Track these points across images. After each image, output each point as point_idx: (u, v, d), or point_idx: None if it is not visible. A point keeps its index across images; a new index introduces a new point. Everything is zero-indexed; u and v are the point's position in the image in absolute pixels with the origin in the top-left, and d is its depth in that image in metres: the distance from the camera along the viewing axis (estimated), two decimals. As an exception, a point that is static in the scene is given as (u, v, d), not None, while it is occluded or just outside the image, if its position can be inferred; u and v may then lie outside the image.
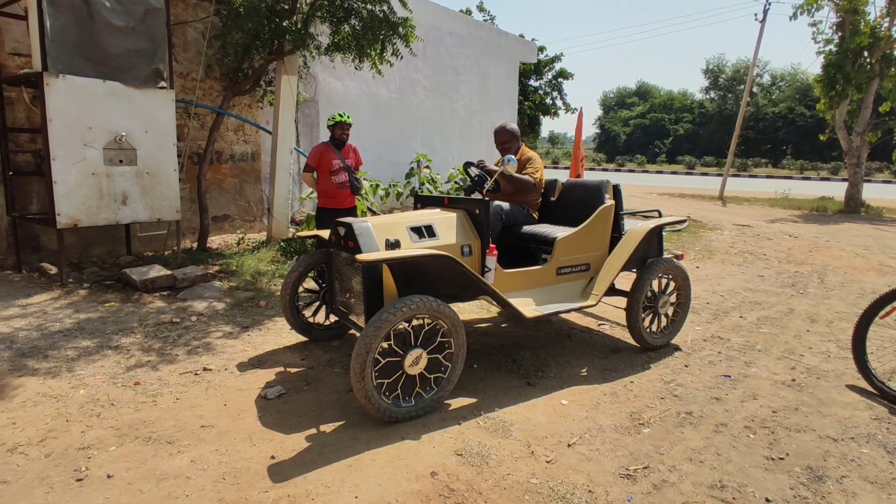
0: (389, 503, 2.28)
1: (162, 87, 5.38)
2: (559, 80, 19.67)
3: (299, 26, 5.86)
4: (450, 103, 11.69)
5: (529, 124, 19.14)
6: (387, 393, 2.92)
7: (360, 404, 2.99)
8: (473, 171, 4.21)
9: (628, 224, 4.17)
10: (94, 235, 6.20)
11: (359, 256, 2.84)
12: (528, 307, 3.54)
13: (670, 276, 4.16)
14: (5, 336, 3.98)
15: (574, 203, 4.23)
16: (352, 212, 5.36)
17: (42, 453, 2.60)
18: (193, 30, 6.74)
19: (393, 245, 3.04)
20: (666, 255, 4.25)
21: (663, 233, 4.21)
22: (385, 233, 3.25)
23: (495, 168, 4.24)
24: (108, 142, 5.03)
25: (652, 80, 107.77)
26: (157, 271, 5.16)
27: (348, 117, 5.13)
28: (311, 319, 4.14)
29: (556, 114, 20.25)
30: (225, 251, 6.80)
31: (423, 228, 3.40)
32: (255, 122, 7.82)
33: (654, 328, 4.13)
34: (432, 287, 3.12)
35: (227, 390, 3.35)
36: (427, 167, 9.80)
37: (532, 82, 19.59)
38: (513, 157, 3.81)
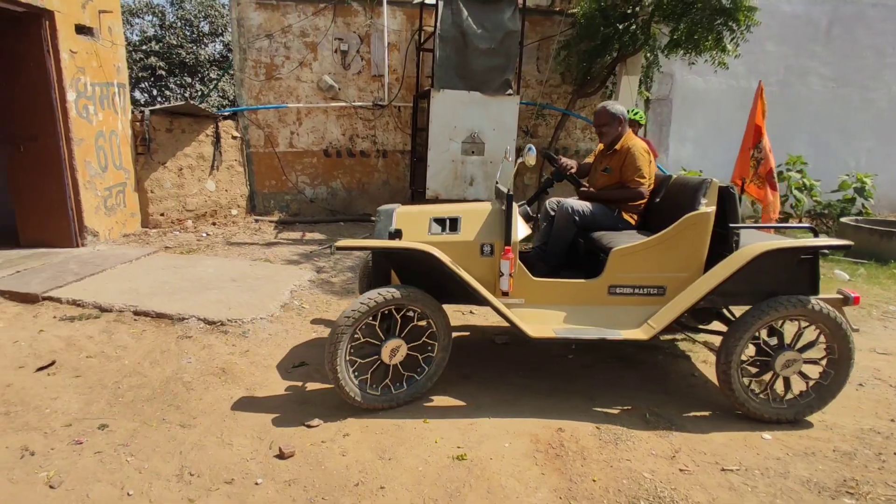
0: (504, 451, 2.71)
1: (509, 94, 6.67)
2: None
3: (635, 29, 6.13)
4: (861, 93, 9.33)
5: None
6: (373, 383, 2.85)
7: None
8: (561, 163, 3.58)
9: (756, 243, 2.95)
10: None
11: (336, 244, 2.80)
12: (542, 324, 2.94)
13: (808, 324, 2.88)
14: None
15: (672, 207, 3.21)
16: None
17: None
18: (557, 43, 7.84)
19: (392, 235, 2.93)
20: (829, 296, 2.94)
21: (818, 260, 2.90)
22: (405, 221, 3.08)
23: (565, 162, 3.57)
24: (466, 137, 6.65)
25: None
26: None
27: (636, 115, 5.35)
28: None
29: None
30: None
31: (447, 220, 3.08)
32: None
33: (772, 392, 2.93)
34: (440, 285, 2.87)
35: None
36: (800, 171, 8.31)
37: None
38: (532, 146, 3.09)
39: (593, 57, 7.06)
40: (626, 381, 3.36)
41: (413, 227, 3.03)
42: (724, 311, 3.39)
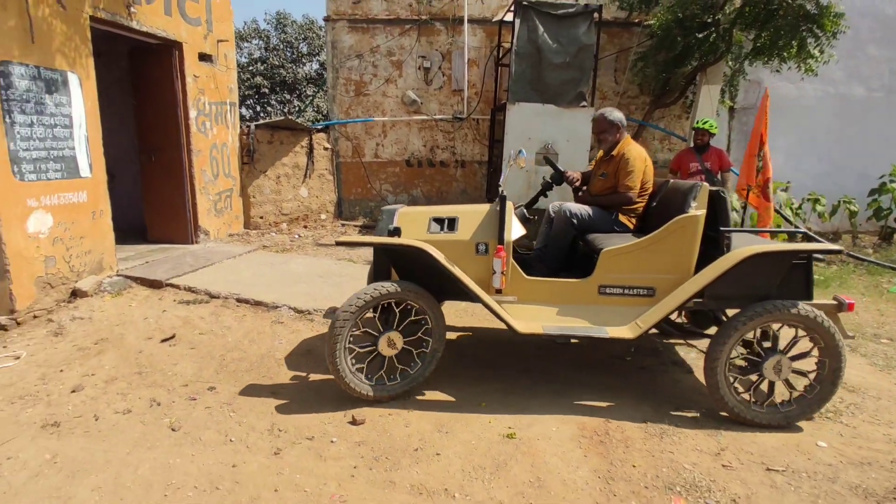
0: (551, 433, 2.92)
1: (583, 106, 6.80)
2: None
3: (715, 38, 6.07)
4: (985, 98, 8.46)
5: None
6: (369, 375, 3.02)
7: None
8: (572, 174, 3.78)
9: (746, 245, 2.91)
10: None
11: (337, 239, 3.01)
12: (532, 321, 3.01)
13: (799, 330, 2.88)
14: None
15: (665, 211, 3.22)
16: None
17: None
18: (634, 54, 7.86)
19: (391, 232, 3.03)
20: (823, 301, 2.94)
21: (811, 265, 2.91)
22: (406, 220, 3.20)
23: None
24: (539, 147, 6.85)
25: None
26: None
27: (705, 124, 5.36)
28: None
29: None
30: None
31: (445, 220, 3.18)
32: (682, 131, 8.30)
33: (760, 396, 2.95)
34: (437, 282, 3.00)
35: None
36: (901, 182, 7.71)
37: None
38: (523, 150, 3.21)
39: (671, 67, 7.03)
40: (682, 385, 3.44)
41: (413, 226, 3.16)
42: (723, 316, 3.42)
